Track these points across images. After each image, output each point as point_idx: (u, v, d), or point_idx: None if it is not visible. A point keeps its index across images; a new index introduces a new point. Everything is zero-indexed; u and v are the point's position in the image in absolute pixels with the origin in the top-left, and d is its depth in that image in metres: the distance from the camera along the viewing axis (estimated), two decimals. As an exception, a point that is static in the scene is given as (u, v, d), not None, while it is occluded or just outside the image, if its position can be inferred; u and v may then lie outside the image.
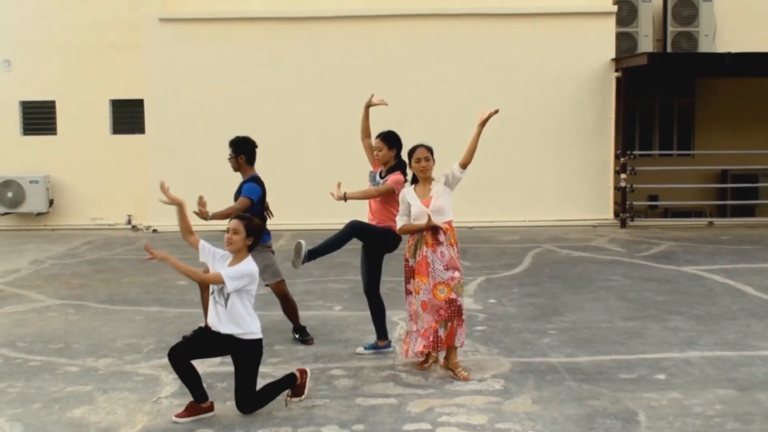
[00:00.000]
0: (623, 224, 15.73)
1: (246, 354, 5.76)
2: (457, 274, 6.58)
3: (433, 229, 6.58)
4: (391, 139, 7.18)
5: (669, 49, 17.24)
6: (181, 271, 5.73)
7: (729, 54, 14.94)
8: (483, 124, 6.73)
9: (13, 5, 16.77)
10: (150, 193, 6.76)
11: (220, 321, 5.74)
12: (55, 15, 16.63)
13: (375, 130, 7.40)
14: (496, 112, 6.74)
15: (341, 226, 6.97)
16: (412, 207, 6.61)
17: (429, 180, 6.71)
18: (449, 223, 6.68)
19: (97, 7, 16.48)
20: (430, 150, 6.70)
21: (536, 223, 15.70)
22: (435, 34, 15.89)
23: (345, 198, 6.94)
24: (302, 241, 6.85)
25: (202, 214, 7.01)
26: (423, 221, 6.53)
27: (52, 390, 6.37)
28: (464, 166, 6.69)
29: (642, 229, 15.60)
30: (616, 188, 16.02)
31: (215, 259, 5.88)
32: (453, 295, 6.53)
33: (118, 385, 6.48)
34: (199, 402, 5.72)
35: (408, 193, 6.71)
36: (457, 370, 6.58)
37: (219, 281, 5.66)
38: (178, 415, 5.65)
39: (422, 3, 15.89)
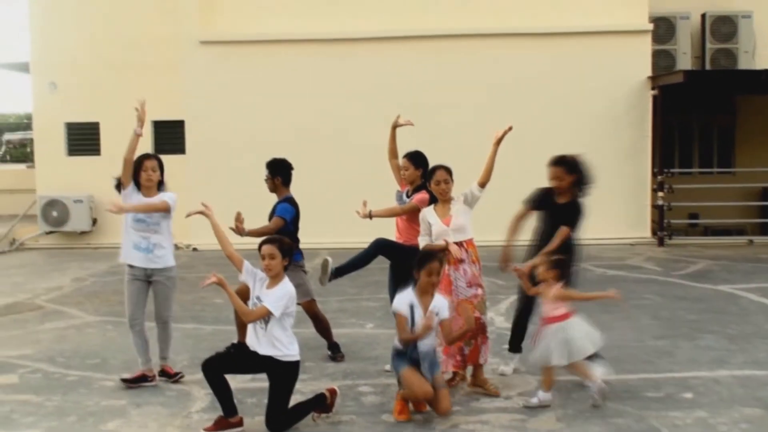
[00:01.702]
0: (661, 243, 15.63)
1: (282, 375, 5.87)
2: (480, 291, 6.65)
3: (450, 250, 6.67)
4: (417, 159, 7.30)
5: (708, 66, 17.14)
6: (232, 300, 5.91)
7: (766, 71, 14.82)
8: (498, 142, 6.81)
9: (58, 29, 17.18)
10: (189, 211, 6.98)
11: (259, 342, 5.86)
12: (99, 38, 16.99)
13: (405, 149, 7.51)
14: (510, 129, 6.79)
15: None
16: (433, 227, 6.70)
17: (448, 200, 6.80)
18: (470, 241, 6.76)
19: (139, 29, 16.81)
20: (449, 172, 6.79)
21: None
22: (469, 53, 15.96)
23: (370, 216, 7.07)
24: (329, 258, 6.99)
25: (239, 230, 7.23)
26: (444, 241, 6.63)
27: (88, 404, 6.56)
28: (483, 185, 6.79)
29: (680, 247, 15.49)
30: (654, 206, 15.93)
31: (255, 280, 6.01)
32: (477, 313, 6.60)
33: (151, 399, 6.65)
34: (228, 417, 5.84)
35: (428, 213, 6.80)
36: (486, 386, 6.66)
37: (266, 314, 5.79)
38: (207, 429, 5.79)
39: (456, 23, 15.97)
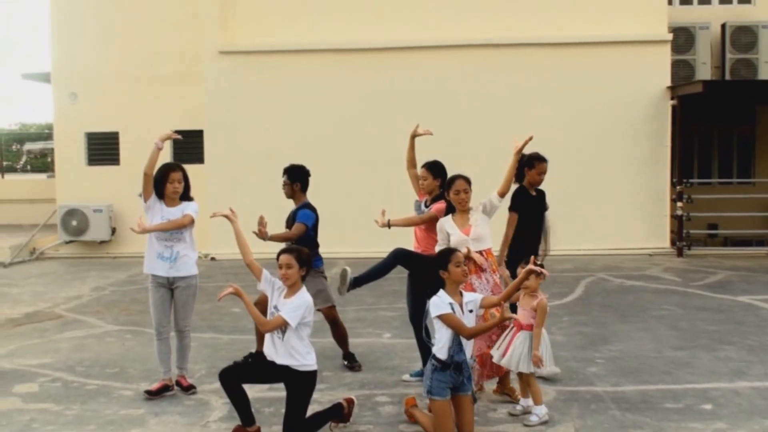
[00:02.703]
0: (680, 253, 15.55)
1: (300, 385, 5.88)
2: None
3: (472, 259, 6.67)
4: (436, 169, 7.31)
5: (728, 77, 17.07)
6: (249, 310, 5.89)
7: (785, 81, 14.77)
8: (519, 152, 6.83)
9: (78, 39, 17.34)
10: (208, 221, 6.94)
11: (276, 352, 5.87)
12: (119, 48, 17.14)
13: (424, 159, 7.52)
14: (531, 139, 6.80)
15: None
16: (452, 236, 6.70)
17: (467, 210, 6.80)
18: (489, 250, 6.77)
19: (159, 39, 16.94)
20: (468, 181, 6.79)
21: (591, 251, 15.60)
22: (489, 64, 15.99)
23: (389, 225, 7.08)
24: (348, 268, 6.99)
25: (262, 234, 7.27)
26: (463, 250, 6.61)
27: (107, 413, 6.59)
28: (502, 195, 6.81)
29: (699, 258, 15.40)
30: (673, 217, 15.87)
31: (273, 289, 6.02)
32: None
33: (170, 408, 6.67)
34: (246, 426, 5.86)
35: (446, 223, 6.80)
36: (514, 395, 6.67)
37: (283, 324, 5.79)
38: (225, 438, 5.80)
39: (475, 33, 16.00)
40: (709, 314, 10.05)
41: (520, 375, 6.40)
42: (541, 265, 6.37)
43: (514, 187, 7.26)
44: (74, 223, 16.88)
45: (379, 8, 16.22)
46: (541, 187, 7.65)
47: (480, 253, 6.68)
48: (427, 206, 7.32)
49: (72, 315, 10.74)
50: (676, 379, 7.27)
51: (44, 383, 7.49)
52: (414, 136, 7.78)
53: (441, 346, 5.73)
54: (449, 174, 7.11)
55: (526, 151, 7.10)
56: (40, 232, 17.76)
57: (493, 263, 6.79)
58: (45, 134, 32.46)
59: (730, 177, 17.98)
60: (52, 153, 20.97)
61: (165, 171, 7.13)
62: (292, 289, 5.90)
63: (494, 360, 6.56)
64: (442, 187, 7.17)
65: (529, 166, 7.39)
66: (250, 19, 16.53)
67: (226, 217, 6.31)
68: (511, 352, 6.37)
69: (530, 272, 5.88)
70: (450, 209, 6.92)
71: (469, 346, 5.85)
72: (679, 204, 15.55)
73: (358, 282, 6.98)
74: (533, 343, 6.31)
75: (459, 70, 16.02)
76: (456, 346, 5.71)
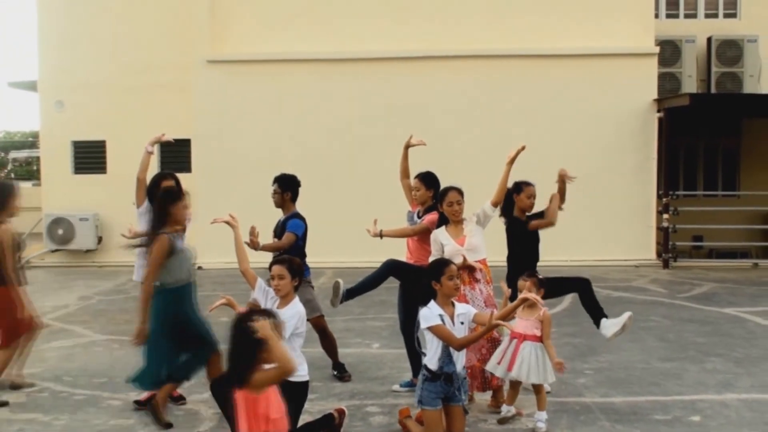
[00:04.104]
0: (666, 265, 15.63)
1: (292, 395, 5.86)
2: (495, 311, 6.66)
3: (469, 268, 6.69)
4: (428, 180, 7.33)
5: (713, 90, 17.22)
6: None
7: (771, 94, 14.90)
8: (512, 161, 6.85)
9: (65, 48, 17.31)
10: (196, 230, 6.93)
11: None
12: (106, 57, 17.13)
13: (417, 170, 7.54)
14: (523, 148, 6.83)
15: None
16: (446, 247, 6.71)
17: (460, 221, 6.82)
18: (483, 260, 6.79)
19: (146, 49, 16.95)
20: (461, 193, 6.82)
21: (577, 262, 15.65)
22: (476, 75, 16.06)
23: (381, 235, 7.09)
24: (340, 280, 7.00)
25: (254, 244, 7.23)
26: (458, 261, 6.62)
27: (96, 423, 6.56)
28: (496, 204, 6.85)
29: (685, 269, 15.49)
30: (659, 228, 15.95)
31: (267, 298, 6.01)
32: (495, 334, 6.62)
33: (159, 418, 6.64)
34: (237, 436, 5.83)
35: (440, 234, 6.82)
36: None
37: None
38: (216, 449, 5.77)
39: (463, 44, 16.07)
40: (696, 326, 10.11)
41: (534, 386, 6.39)
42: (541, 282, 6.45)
43: (502, 221, 7.28)
44: (60, 231, 16.81)
45: (369, 18, 16.27)
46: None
47: None
48: (419, 217, 7.33)
49: (59, 324, 10.68)
50: (665, 390, 7.30)
51: (31, 393, 7.44)
52: (407, 146, 7.81)
53: (431, 357, 5.75)
54: (442, 185, 7.13)
55: (514, 170, 7.07)
56: (26, 241, 17.66)
57: (487, 274, 6.82)
58: (30, 142, 32.34)
59: (716, 189, 18.10)
60: (38, 161, 20.90)
61: (157, 179, 7.13)
62: (285, 299, 5.90)
63: (498, 374, 6.54)
64: (435, 198, 7.20)
65: (516, 191, 7.25)
66: (238, 28, 16.54)
67: (227, 223, 6.30)
68: (519, 364, 6.34)
69: (525, 300, 5.90)
70: (443, 220, 6.94)
71: (461, 357, 5.86)
72: (665, 216, 15.63)
73: (351, 294, 6.99)
74: (548, 352, 6.32)
75: (449, 81, 16.08)
76: (446, 357, 5.72)
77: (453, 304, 5.87)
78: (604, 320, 7.00)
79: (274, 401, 4.53)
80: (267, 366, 4.36)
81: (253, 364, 4.33)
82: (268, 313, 4.58)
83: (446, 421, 5.77)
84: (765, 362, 8.25)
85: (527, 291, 6.26)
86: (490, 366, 6.50)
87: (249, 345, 4.30)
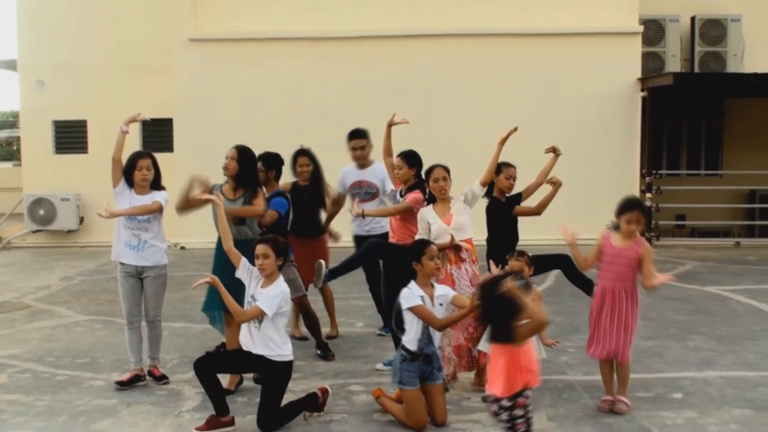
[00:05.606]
0: (648, 243, 15.64)
1: (275, 375, 5.87)
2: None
3: (456, 247, 6.68)
4: (411, 158, 7.31)
5: (697, 69, 17.21)
6: (225, 300, 5.87)
7: (755, 74, 14.91)
8: (503, 142, 6.83)
9: (46, 27, 17.12)
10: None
11: (253, 342, 5.86)
12: (87, 36, 16.95)
13: (399, 149, 7.51)
14: (515, 129, 6.82)
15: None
16: (433, 226, 6.69)
17: (447, 199, 6.80)
18: (470, 240, 6.78)
19: (128, 28, 16.78)
20: (447, 170, 6.80)
21: (560, 241, 15.56)
22: (460, 54, 16.00)
23: (363, 215, 7.07)
24: (322, 261, 6.99)
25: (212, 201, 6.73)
26: (444, 240, 6.60)
27: (78, 403, 6.52)
28: (485, 184, 6.84)
29: (668, 248, 15.55)
30: (642, 207, 15.94)
31: (251, 278, 6.01)
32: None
33: (142, 399, 6.62)
34: (220, 415, 5.82)
35: (427, 213, 6.79)
36: None
37: (259, 314, 5.76)
38: (199, 429, 5.76)
39: (446, 23, 15.99)
40: (678, 304, 10.15)
41: None
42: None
43: (484, 201, 7.26)
44: (41, 212, 16.69)
45: (351, -3, 16.16)
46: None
47: None
48: (402, 196, 7.31)
49: (40, 305, 10.63)
50: (647, 368, 7.33)
51: (13, 374, 7.40)
52: (390, 124, 7.80)
53: (411, 338, 5.78)
54: (425, 164, 7.11)
55: (511, 145, 7.05)
56: (7, 222, 17.58)
57: (473, 254, 6.80)
58: (10, 122, 32.08)
59: (699, 169, 18.14)
60: (18, 141, 20.72)
61: (133, 159, 7.08)
62: (269, 278, 5.89)
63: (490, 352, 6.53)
64: (418, 176, 7.19)
65: (496, 172, 7.23)
66: (221, 6, 16.39)
67: (212, 200, 6.27)
68: None
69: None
70: (428, 199, 6.92)
71: (437, 337, 5.91)
72: (648, 195, 15.65)
73: (333, 274, 6.98)
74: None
75: (433, 60, 16.00)
76: (426, 338, 5.77)
77: (432, 285, 5.88)
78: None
79: (533, 354, 4.75)
80: (522, 321, 4.55)
81: (514, 321, 4.51)
82: (514, 274, 4.74)
83: (427, 400, 5.81)
84: (746, 340, 8.30)
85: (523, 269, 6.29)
86: (482, 345, 6.49)
87: (507, 305, 4.50)
